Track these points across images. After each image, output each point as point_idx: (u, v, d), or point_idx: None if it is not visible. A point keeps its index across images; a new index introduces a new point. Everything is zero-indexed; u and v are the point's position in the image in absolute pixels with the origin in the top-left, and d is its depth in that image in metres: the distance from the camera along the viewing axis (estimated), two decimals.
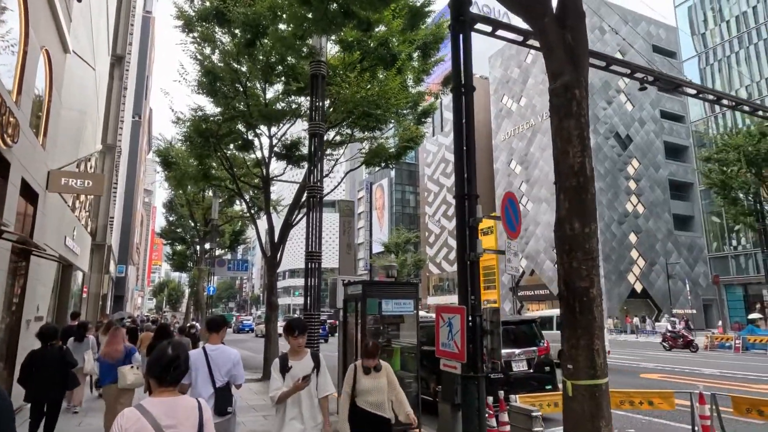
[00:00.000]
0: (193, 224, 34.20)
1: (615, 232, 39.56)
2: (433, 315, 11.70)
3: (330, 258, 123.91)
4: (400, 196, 74.57)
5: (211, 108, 14.77)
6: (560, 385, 6.82)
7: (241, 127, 16.12)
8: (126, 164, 31.83)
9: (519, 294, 43.42)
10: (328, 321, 35.91)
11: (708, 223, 36.25)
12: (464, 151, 5.60)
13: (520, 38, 6.71)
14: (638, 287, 39.76)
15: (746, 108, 8.59)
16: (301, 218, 14.75)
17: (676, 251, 42.02)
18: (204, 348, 4.02)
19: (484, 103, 55.24)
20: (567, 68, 4.09)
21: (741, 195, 23.35)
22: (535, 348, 8.31)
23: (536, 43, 7.25)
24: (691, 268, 42.65)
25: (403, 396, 4.25)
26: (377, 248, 66.06)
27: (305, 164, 17.20)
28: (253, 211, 21.78)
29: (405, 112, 14.34)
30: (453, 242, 56.88)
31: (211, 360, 3.93)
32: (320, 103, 10.73)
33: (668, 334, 22.44)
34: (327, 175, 13.53)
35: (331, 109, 12.63)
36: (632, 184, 41.50)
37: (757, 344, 20.72)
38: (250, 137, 16.20)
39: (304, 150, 16.87)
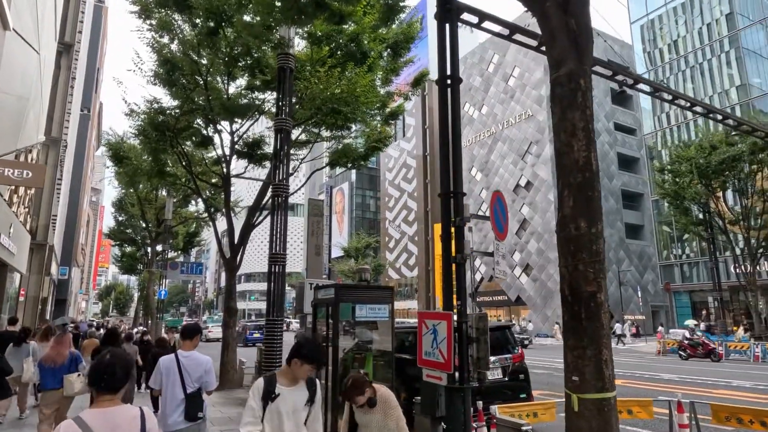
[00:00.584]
0: (144, 225, 32.61)
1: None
2: (408, 320, 11.28)
3: (292, 262, 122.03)
4: (361, 201, 74.15)
5: (167, 101, 13.93)
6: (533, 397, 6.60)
7: (200, 122, 15.34)
8: (72, 159, 29.96)
9: (477, 300, 43.76)
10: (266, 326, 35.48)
11: (658, 232, 37.67)
12: (450, 146, 5.26)
13: (506, 32, 6.44)
14: None
15: (717, 116, 8.69)
16: (264, 219, 14.10)
17: (627, 259, 43.50)
18: (177, 354, 4.09)
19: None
20: (570, 56, 3.81)
21: (692, 205, 24.31)
22: (509, 355, 8.05)
23: (524, 39, 7.05)
24: (641, 276, 44.25)
25: None
26: (336, 252, 65.33)
27: (268, 163, 16.55)
28: (211, 210, 20.97)
29: (373, 112, 13.97)
30: (413, 248, 56.89)
31: (183, 366, 4.01)
32: (287, 98, 10.20)
33: (685, 341, 20.17)
34: (292, 174, 12.99)
35: (298, 106, 12.10)
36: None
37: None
38: (210, 133, 15.44)
39: (267, 149, 16.24)
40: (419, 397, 6.05)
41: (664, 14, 40.06)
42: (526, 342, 28.40)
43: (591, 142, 3.68)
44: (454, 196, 5.09)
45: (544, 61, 43.15)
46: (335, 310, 6.14)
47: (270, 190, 10.79)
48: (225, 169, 14.36)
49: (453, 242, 4.99)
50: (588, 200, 3.56)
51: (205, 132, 15.03)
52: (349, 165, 14.99)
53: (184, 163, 14.39)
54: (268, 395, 2.76)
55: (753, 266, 22.75)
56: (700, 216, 24.91)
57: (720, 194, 23.59)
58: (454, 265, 4.92)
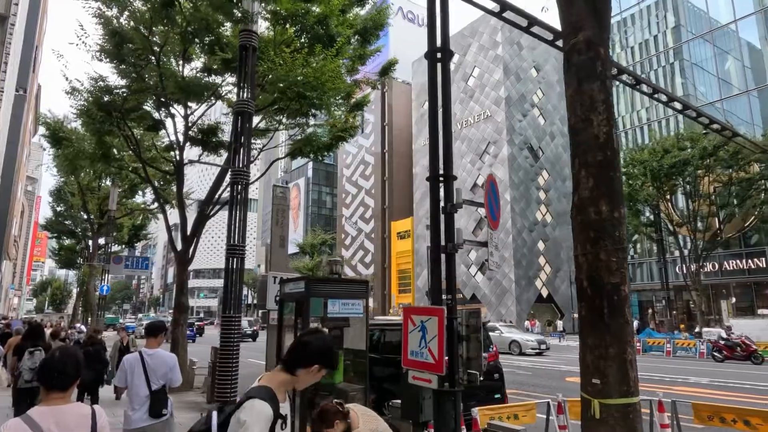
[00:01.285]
0: (85, 216, 30.54)
1: (526, 239, 41.26)
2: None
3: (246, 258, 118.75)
4: (317, 197, 73.07)
5: (115, 79, 12.79)
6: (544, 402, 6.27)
7: (150, 105, 14.27)
8: (4, 144, 27.59)
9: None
10: (197, 323, 34.07)
11: None
12: (440, 125, 4.79)
13: (497, 8, 6.03)
14: (544, 292, 41.76)
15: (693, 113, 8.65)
16: (219, 210, 13.23)
17: None
18: (141, 352, 4.12)
19: (406, 108, 55.61)
20: (588, 21, 3.41)
21: (644, 208, 25.11)
22: (484, 354, 7.70)
23: (518, 21, 6.66)
24: None
25: None
26: (291, 249, 63.99)
27: (224, 152, 15.61)
28: (161, 201, 19.79)
29: (338, 101, 13.37)
30: (369, 245, 56.45)
31: (148, 364, 4.05)
32: (249, 79, 9.46)
33: (721, 342, 18.50)
34: (252, 162, 12.19)
35: (260, 89, 11.33)
36: (542, 194, 43.60)
37: (654, 346, 22.16)
38: (162, 117, 14.39)
39: (224, 137, 15.34)
40: (397, 401, 5.58)
41: (621, 22, 41.38)
42: (543, 347, 21.82)
43: (612, 117, 3.30)
44: (444, 179, 4.62)
45: (504, 62, 43.59)
46: (305, 306, 5.56)
47: (228, 176, 10.03)
48: (178, 156, 13.38)
49: (442, 230, 4.52)
50: (610, 181, 3.17)
51: (156, 115, 13.97)
52: (312, 155, 14.30)
53: (132, 148, 13.30)
54: (279, 419, 1.90)
55: (698, 267, 23.73)
56: (651, 218, 25.76)
57: (669, 197, 24.47)
58: (443, 256, 4.46)
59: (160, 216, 36.26)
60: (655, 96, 7.70)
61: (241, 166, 9.42)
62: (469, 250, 43.94)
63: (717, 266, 27.61)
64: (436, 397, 4.24)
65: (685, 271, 24.74)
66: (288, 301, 6.15)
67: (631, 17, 41.60)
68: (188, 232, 12.53)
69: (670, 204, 24.92)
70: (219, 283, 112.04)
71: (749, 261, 27.15)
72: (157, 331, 4.33)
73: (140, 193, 29.06)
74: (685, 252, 24.68)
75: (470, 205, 4.91)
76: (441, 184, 4.66)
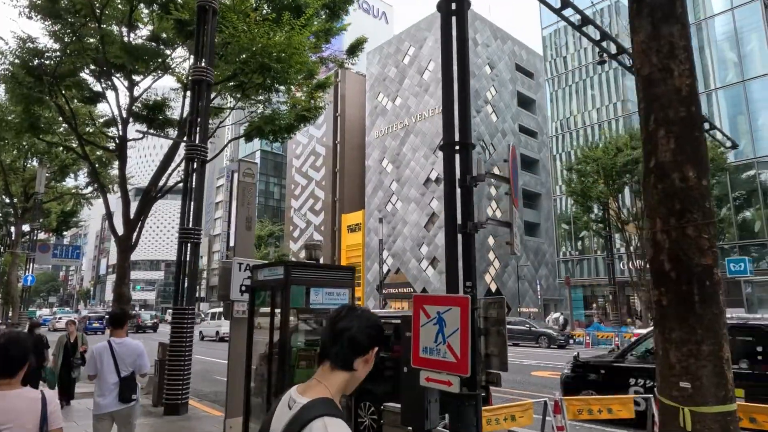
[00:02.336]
0: (7, 199, 27.67)
1: (478, 234, 41.60)
2: None
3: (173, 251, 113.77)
4: (264, 188, 70.86)
5: (48, 42, 11.28)
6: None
7: (88, 73, 12.80)
8: None
9: (384, 292, 43.50)
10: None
11: (557, 229, 39.89)
12: (456, 85, 4.13)
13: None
14: (493, 287, 42.36)
15: None
16: (165, 193, 12.02)
17: (525, 255, 45.77)
18: (109, 341, 4.28)
19: (359, 100, 54.74)
20: None
21: (594, 204, 25.74)
22: None
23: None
24: (536, 271, 46.85)
25: None
26: None
27: (172, 131, 14.33)
28: (99, 180, 18.24)
29: (300, 80, 12.45)
30: (319, 238, 55.24)
31: (116, 352, 4.22)
32: (209, 44, 8.44)
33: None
34: (211, 136, 11.11)
35: (219, 58, 10.26)
36: (493, 191, 44.14)
37: (602, 339, 22.73)
38: (102, 88, 12.95)
39: (173, 115, 14.07)
40: (391, 404, 4.91)
41: (567, 26, 42.41)
42: (561, 340, 22.76)
43: (693, 68, 2.76)
44: (462, 148, 3.96)
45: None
46: (284, 295, 4.75)
47: (183, 151, 8.95)
48: (120, 131, 12.03)
49: (459, 207, 3.88)
50: (696, 142, 2.62)
51: (101, 84, 12.54)
52: (272, 137, 13.31)
53: (66, 119, 11.83)
54: None
55: (643, 263, 24.57)
56: (600, 214, 26.47)
57: (618, 195, 25.21)
58: (460, 236, 3.83)
59: (95, 202, 33.48)
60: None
61: (197, 140, 8.42)
62: (421, 244, 43.89)
63: None
64: (454, 402, 3.61)
65: (630, 267, 25.61)
66: (261, 289, 5.31)
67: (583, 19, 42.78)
68: (131, 216, 11.27)
69: (617, 202, 25.68)
70: (157, 275, 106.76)
71: None
72: (121, 320, 4.52)
73: (72, 176, 26.67)
74: (631, 249, 25.50)
75: (494, 179, 4.29)
76: (456, 154, 3.99)
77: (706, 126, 9.39)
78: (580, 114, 38.86)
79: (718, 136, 12.07)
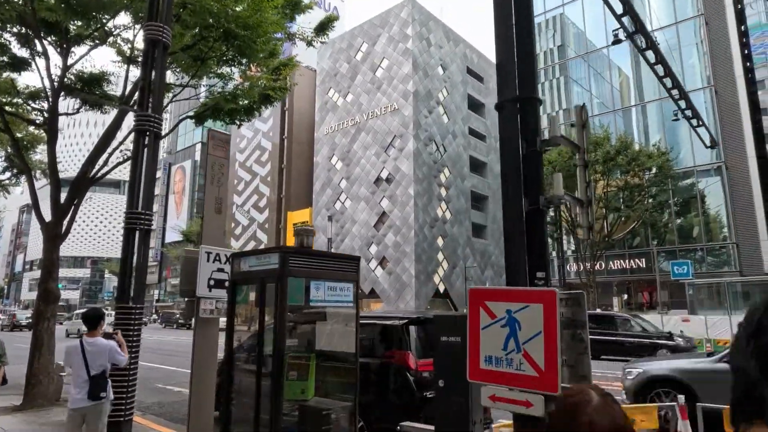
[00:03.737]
0: None
1: (426, 234, 41.41)
2: None
3: (110, 246, 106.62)
4: (204, 182, 67.51)
5: None
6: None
7: (8, 37, 11.04)
8: None
9: None
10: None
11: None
12: (515, 32, 3.32)
13: None
14: (441, 287, 42.29)
15: None
16: (111, 170, 10.48)
17: (472, 256, 46.14)
18: (81, 340, 4.56)
19: (309, 94, 53.26)
20: None
21: None
22: None
23: None
24: (482, 272, 47.35)
25: None
26: (173, 236, 58.41)
27: (111, 109, 12.72)
28: (12, 172, 16.34)
29: (262, 55, 11.26)
30: (262, 236, 53.21)
31: (87, 352, 4.46)
32: None
33: None
34: (166, 106, 9.75)
35: (176, 20, 8.94)
36: (443, 191, 44.15)
37: None
38: (25, 54, 11.19)
39: (114, 91, 12.45)
40: (410, 424, 4.03)
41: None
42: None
43: None
44: (526, 103, 3.16)
45: (413, 55, 43.36)
46: (280, 290, 3.76)
47: (133, 121, 7.63)
48: (51, 101, 10.37)
49: (523, 180, 3.07)
50: None
51: (26, 50, 10.78)
52: (228, 119, 12.02)
53: None
54: None
55: (593, 265, 25.14)
56: (552, 216, 26.84)
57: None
58: (526, 216, 3.02)
59: (13, 189, 30.26)
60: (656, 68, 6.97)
61: (150, 110, 7.16)
62: (370, 244, 43.13)
63: (603, 265, 29.66)
64: (521, 423, 2.79)
65: (580, 269, 26.12)
66: (244, 283, 4.27)
67: (538, 26, 43.57)
68: (62, 200, 9.67)
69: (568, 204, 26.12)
70: (81, 272, 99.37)
71: (632, 261, 29.66)
72: (95, 320, 4.73)
73: None
74: (581, 251, 26.00)
75: (566, 144, 3.51)
76: (518, 113, 3.18)
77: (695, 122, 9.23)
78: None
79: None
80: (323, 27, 12.12)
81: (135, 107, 8.12)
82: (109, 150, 10.14)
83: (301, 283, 3.95)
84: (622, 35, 6.92)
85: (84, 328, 5.10)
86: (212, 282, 5.33)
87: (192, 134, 69.07)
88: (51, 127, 10.38)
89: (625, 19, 6.74)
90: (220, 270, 5.46)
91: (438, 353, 3.53)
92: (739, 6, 8.94)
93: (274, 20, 9.57)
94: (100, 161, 9.94)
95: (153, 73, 7.61)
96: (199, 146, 66.18)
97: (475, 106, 50.60)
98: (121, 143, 10.66)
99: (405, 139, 42.34)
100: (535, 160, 3.10)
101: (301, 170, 52.00)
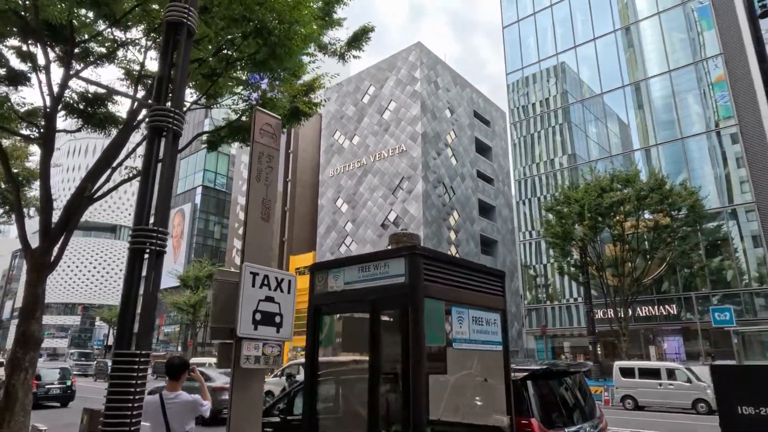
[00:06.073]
0: None
1: None
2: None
3: (105, 293, 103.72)
4: (203, 226, 65.98)
5: None
6: None
7: (5, 47, 9.86)
8: None
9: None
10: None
11: (524, 274, 38.43)
12: None
13: None
14: None
15: None
16: (116, 187, 8.98)
17: None
18: (161, 395, 3.76)
19: (313, 137, 52.71)
20: None
21: (572, 249, 24.51)
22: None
23: None
24: None
25: None
26: (171, 282, 56.15)
27: (113, 129, 11.33)
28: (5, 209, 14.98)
29: (298, 58, 9.96)
30: None
31: (168, 409, 3.71)
32: None
33: None
34: (191, 108, 8.41)
35: (203, 11, 7.69)
36: (452, 235, 42.68)
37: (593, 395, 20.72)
38: (25, 68, 9.96)
39: (119, 111, 11.15)
40: None
41: (532, 76, 42.87)
42: None
43: None
44: None
45: (422, 98, 42.95)
46: (414, 319, 2.17)
47: (149, 116, 6.18)
48: (49, 108, 9.00)
49: None
50: None
51: (29, 50, 9.53)
52: (249, 137, 10.63)
53: None
54: None
55: (625, 311, 23.32)
56: (577, 259, 25.23)
57: (597, 239, 24.16)
58: None
59: (6, 233, 28.68)
60: None
61: (167, 103, 5.71)
62: None
63: (630, 312, 27.80)
64: None
65: (611, 316, 24.26)
66: (334, 311, 2.66)
67: (533, 76, 42.97)
68: (52, 223, 8.09)
69: (596, 246, 24.60)
70: (70, 320, 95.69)
71: (661, 307, 27.80)
72: (177, 371, 3.85)
73: None
74: (611, 296, 24.23)
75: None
76: None
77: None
78: (542, 162, 38.63)
79: None
80: (357, 38, 10.96)
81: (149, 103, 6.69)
82: (114, 164, 8.66)
83: (440, 308, 2.37)
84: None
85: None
86: (258, 316, 3.71)
87: (193, 177, 68.13)
88: (46, 141, 8.95)
89: None
90: (269, 300, 3.85)
91: None
92: None
93: (312, 17, 8.37)
94: (102, 178, 8.45)
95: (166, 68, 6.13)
96: (200, 189, 65.08)
97: (482, 149, 49.96)
98: (124, 159, 9.20)
99: (414, 180, 41.24)
100: None
101: (305, 213, 50.61)
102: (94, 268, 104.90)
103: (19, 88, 10.56)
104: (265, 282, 3.86)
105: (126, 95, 9.03)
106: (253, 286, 3.76)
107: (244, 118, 10.23)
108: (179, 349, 56.98)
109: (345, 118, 48.30)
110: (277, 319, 3.89)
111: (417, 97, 42.96)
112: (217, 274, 3.97)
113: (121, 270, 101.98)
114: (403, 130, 43.19)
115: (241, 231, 50.25)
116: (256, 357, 3.68)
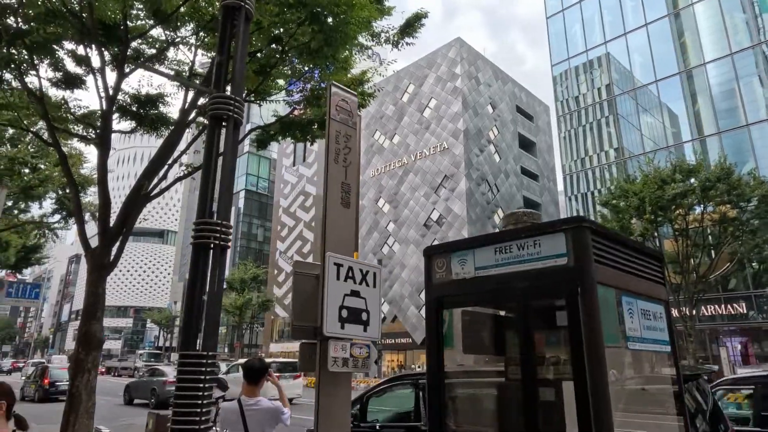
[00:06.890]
0: None
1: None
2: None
3: (155, 296, 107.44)
4: (247, 229, 67.15)
5: None
6: None
7: (63, 53, 9.89)
8: None
9: (379, 342, 39.58)
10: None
11: None
12: None
13: None
14: None
15: None
16: (171, 185, 8.84)
17: None
18: (239, 400, 3.54)
19: None
20: None
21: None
22: None
23: None
24: None
25: None
26: None
27: (165, 130, 11.25)
28: (62, 214, 15.22)
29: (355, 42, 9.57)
30: None
31: (248, 416, 3.46)
32: None
33: None
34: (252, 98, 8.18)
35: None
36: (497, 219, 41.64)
37: None
38: (80, 71, 9.97)
39: (170, 112, 11.10)
40: None
41: (578, 67, 41.07)
42: None
43: None
44: None
45: (463, 94, 41.97)
46: (587, 312, 1.66)
47: (209, 105, 5.89)
48: (104, 106, 8.94)
49: None
50: None
51: (84, 52, 9.56)
52: (300, 133, 10.35)
53: (35, 97, 8.77)
54: None
55: (691, 310, 21.86)
56: None
57: (657, 234, 22.80)
58: None
59: (61, 237, 29.60)
60: None
61: (227, 91, 5.37)
62: (421, 290, 40.50)
63: (697, 310, 26.15)
64: None
65: (675, 315, 22.81)
66: (462, 304, 2.17)
67: (580, 67, 41.18)
68: (111, 222, 7.98)
69: (655, 242, 23.21)
70: (123, 322, 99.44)
71: (729, 306, 26.05)
72: (258, 374, 3.63)
73: (35, 204, 23.03)
74: (674, 294, 22.78)
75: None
76: None
77: None
78: (592, 155, 36.98)
79: None
80: (410, 24, 10.47)
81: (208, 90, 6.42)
82: (169, 161, 8.50)
83: (612, 299, 1.85)
84: None
85: None
86: (345, 313, 3.28)
87: (236, 181, 69.41)
88: (103, 142, 8.89)
89: None
90: (355, 294, 3.41)
91: None
92: None
93: (365, 7, 7.94)
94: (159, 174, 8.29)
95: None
96: (243, 193, 66.17)
97: (525, 145, 48.60)
98: (182, 153, 9.04)
99: (456, 178, 40.46)
100: None
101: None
102: (144, 272, 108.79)
103: (75, 91, 10.64)
104: (350, 274, 3.42)
105: (185, 82, 8.83)
106: (338, 279, 3.33)
107: (295, 113, 9.95)
108: (225, 350, 58.04)
109: (385, 117, 47.99)
110: (364, 316, 3.44)
111: (458, 93, 42.17)
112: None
113: (169, 274, 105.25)
114: (444, 127, 42.48)
115: (283, 234, 50.74)
116: (344, 359, 3.24)
